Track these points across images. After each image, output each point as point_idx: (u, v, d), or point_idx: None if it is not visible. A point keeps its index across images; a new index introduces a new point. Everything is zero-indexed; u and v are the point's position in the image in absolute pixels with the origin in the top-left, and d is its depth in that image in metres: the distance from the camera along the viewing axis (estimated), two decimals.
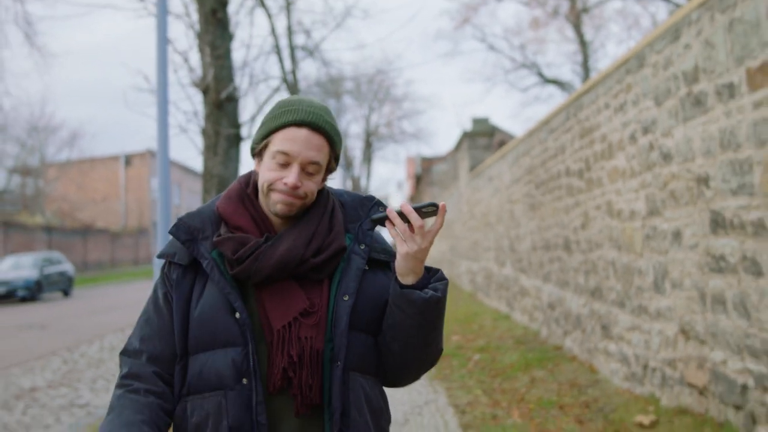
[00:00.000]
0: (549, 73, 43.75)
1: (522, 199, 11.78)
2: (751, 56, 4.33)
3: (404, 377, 1.96)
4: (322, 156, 1.86)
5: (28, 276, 23.35)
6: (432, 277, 1.84)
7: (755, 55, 4.28)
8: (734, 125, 4.56)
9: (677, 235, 5.52)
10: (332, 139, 1.88)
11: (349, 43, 55.84)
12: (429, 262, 25.26)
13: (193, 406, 1.81)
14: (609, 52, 51.96)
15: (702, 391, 5.18)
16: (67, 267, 26.42)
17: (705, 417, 5.10)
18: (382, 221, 1.78)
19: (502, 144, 29.07)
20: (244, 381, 1.76)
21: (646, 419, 5.46)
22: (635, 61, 6.32)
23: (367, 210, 2.02)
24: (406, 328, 1.82)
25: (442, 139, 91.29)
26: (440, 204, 1.71)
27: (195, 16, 9.48)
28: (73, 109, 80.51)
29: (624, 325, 6.81)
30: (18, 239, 34.99)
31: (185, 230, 1.92)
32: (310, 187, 1.87)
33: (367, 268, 1.93)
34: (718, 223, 4.84)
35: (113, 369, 9.82)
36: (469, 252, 19.39)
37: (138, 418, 1.79)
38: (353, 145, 51.24)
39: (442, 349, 1.96)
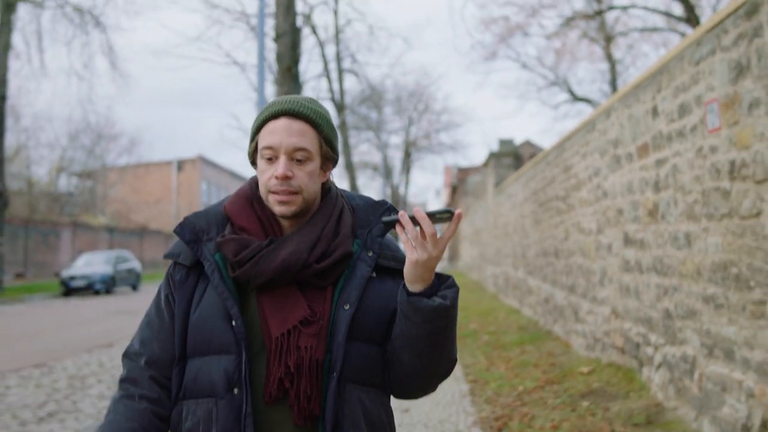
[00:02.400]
0: (580, 89, 46.13)
1: (530, 215, 14.45)
2: (639, 138, 7.04)
3: (415, 389, 1.90)
4: (307, 141, 1.82)
5: (104, 272, 26.58)
6: (442, 284, 1.76)
7: (640, 137, 6.98)
8: (631, 178, 7.27)
9: (609, 247, 8.22)
10: (315, 122, 1.83)
11: (390, 65, 58.65)
12: (463, 267, 28.09)
13: (187, 410, 1.80)
14: (641, 68, 54.00)
15: (621, 351, 7.86)
16: (135, 264, 29.67)
17: (621, 367, 7.77)
18: (393, 225, 1.71)
19: (532, 157, 31.65)
20: (235, 391, 1.74)
21: (586, 369, 8.17)
22: (590, 126, 9.03)
23: (379, 215, 1.96)
24: (414, 337, 1.75)
25: (478, 150, 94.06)
26: (456, 211, 1.65)
27: (275, 68, 12.42)
28: (131, 112, 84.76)
29: (585, 310, 9.50)
30: (84, 238, 38.48)
31: (190, 230, 1.89)
32: (303, 178, 1.82)
33: (374, 275, 1.88)
34: (627, 240, 7.53)
35: None
36: (493, 258, 22.04)
37: (128, 425, 1.82)
38: (393, 155, 54.02)
39: (455, 360, 1.87)
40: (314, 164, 1.84)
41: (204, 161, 58.92)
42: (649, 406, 6.31)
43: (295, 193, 1.81)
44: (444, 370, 1.86)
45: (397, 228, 1.70)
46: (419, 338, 1.75)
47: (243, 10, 20.55)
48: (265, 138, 1.81)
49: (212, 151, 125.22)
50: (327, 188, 1.96)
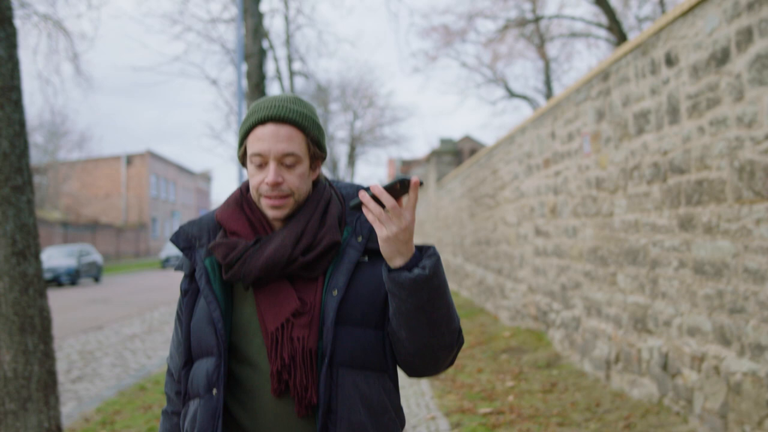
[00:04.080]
0: (517, 85, 48.71)
1: (466, 209, 16.58)
2: (544, 153, 9.17)
3: (423, 365, 1.86)
4: (295, 145, 1.84)
5: (69, 264, 28.00)
6: (424, 255, 1.75)
7: (544, 153, 9.11)
8: (539, 183, 9.42)
9: (525, 236, 10.37)
10: (301, 125, 1.85)
11: (338, 70, 60.63)
12: None
13: (185, 410, 1.90)
14: (574, 66, 56.83)
15: (535, 318, 10.01)
16: (97, 257, 31.08)
17: (535, 330, 9.92)
18: (359, 207, 1.70)
19: (473, 152, 33.85)
20: (214, 392, 1.80)
21: (508, 334, 10.32)
22: (511, 139, 11.17)
23: None
24: (405, 312, 1.74)
25: (421, 144, 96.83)
26: (413, 179, 1.65)
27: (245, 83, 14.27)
28: (81, 106, 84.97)
29: (509, 287, 11.65)
30: (41, 232, 39.52)
31: (184, 238, 1.96)
32: (294, 181, 1.85)
33: (366, 259, 1.89)
34: (537, 231, 9.67)
35: None
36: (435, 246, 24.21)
37: None
38: (339, 149, 55.81)
39: (456, 329, 1.85)
40: (303, 166, 1.87)
41: (152, 155, 59.95)
42: (550, 355, 8.46)
43: (287, 196, 1.85)
44: (446, 342, 1.82)
45: (363, 209, 1.69)
46: (410, 313, 1.73)
47: (220, 35, 22.30)
48: (254, 144, 1.84)
49: (159, 143, 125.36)
50: (316, 182, 1.98)
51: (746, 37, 4.26)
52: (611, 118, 6.60)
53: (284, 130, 1.83)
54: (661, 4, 25.71)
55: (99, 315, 16.64)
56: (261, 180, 1.84)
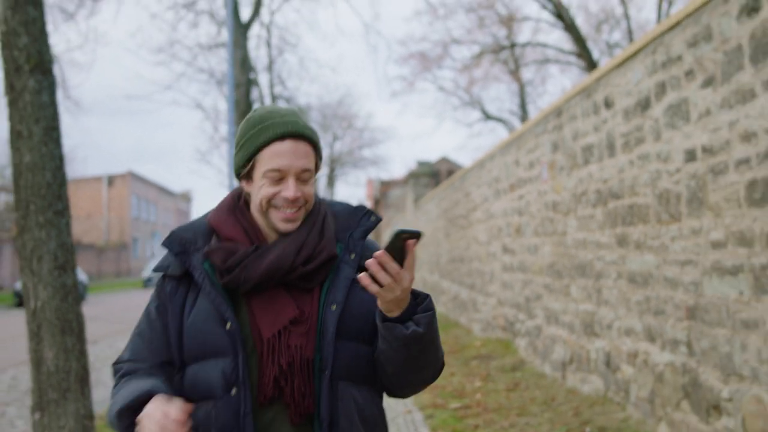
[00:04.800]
0: (493, 107, 49.79)
1: (442, 229, 17.53)
2: (509, 179, 10.13)
3: (404, 392, 1.98)
4: (310, 161, 1.89)
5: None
6: (419, 305, 1.80)
7: (510, 178, 10.08)
8: (506, 206, 10.38)
9: (495, 254, 11.32)
10: (313, 141, 1.91)
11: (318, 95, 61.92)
12: None
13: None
14: (548, 89, 58.36)
15: (503, 328, 10.94)
16: (83, 276, 31.68)
17: (503, 340, 10.85)
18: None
19: (450, 173, 34.85)
20: (233, 391, 1.79)
21: (479, 343, 11.23)
22: (481, 165, 12.15)
23: (358, 219, 2.04)
24: (394, 357, 1.81)
25: (399, 165, 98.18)
26: (410, 240, 1.67)
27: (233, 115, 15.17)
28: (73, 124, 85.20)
29: (481, 301, 12.58)
30: None
31: (178, 242, 1.96)
32: (308, 192, 1.90)
33: (357, 276, 1.84)
34: (505, 249, 10.62)
35: None
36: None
37: (146, 382, 1.84)
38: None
39: (441, 366, 1.96)
40: (313, 179, 1.92)
41: (134, 176, 60.55)
42: (516, 361, 9.38)
43: (300, 208, 1.89)
44: (430, 377, 1.93)
45: (362, 280, 1.70)
46: (399, 358, 1.80)
47: (210, 67, 23.24)
48: (272, 161, 1.84)
49: (140, 162, 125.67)
50: None
51: (661, 89, 5.25)
52: (564, 149, 7.57)
53: (302, 147, 1.87)
54: (629, 32, 26.98)
55: (91, 331, 17.31)
56: (274, 193, 1.86)
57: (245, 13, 17.72)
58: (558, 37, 44.28)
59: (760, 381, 4.16)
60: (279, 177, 1.85)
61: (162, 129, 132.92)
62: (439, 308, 17.98)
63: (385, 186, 51.22)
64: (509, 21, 28.30)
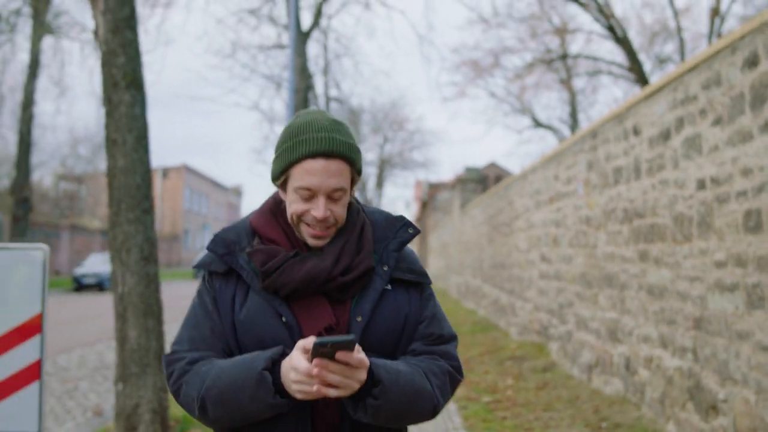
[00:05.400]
0: (543, 114, 50.03)
1: (486, 235, 18.17)
2: (549, 192, 10.76)
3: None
4: (343, 180, 1.87)
5: None
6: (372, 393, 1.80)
7: (550, 191, 10.71)
8: (545, 217, 11.01)
9: (533, 262, 11.96)
10: (350, 158, 1.88)
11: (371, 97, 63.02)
12: (430, 277, 32.23)
13: None
14: (600, 98, 58.42)
15: (538, 333, 11.57)
16: None
17: (538, 343, 11.48)
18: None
19: (498, 179, 35.39)
20: None
21: (514, 346, 11.88)
22: (524, 177, 12.79)
23: (395, 230, 2.05)
24: None
25: (448, 168, 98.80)
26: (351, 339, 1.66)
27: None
28: None
29: (518, 307, 13.22)
30: (80, 240, 41.75)
31: (222, 244, 1.98)
32: (339, 212, 1.90)
33: (389, 287, 1.97)
34: (543, 258, 11.25)
35: None
36: (457, 268, 25.77)
37: (228, 360, 1.89)
38: (368, 171, 57.57)
39: (433, 410, 1.93)
40: (347, 196, 1.92)
41: (188, 169, 62.21)
42: (547, 363, 10.02)
43: (330, 227, 1.91)
44: (425, 417, 1.94)
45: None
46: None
47: (271, 73, 24.31)
48: (303, 178, 1.84)
49: (191, 155, 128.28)
50: (350, 203, 2.00)
51: (680, 123, 5.88)
52: (597, 169, 8.21)
53: (335, 166, 1.85)
54: (681, 46, 27.20)
55: None
56: (305, 210, 1.88)
57: (306, 22, 18.60)
58: (610, 47, 44.39)
59: (749, 385, 4.78)
60: (309, 195, 1.86)
61: (210, 124, 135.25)
62: (481, 312, 18.63)
63: (433, 189, 51.77)
64: (561, 32, 28.80)
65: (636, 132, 6.96)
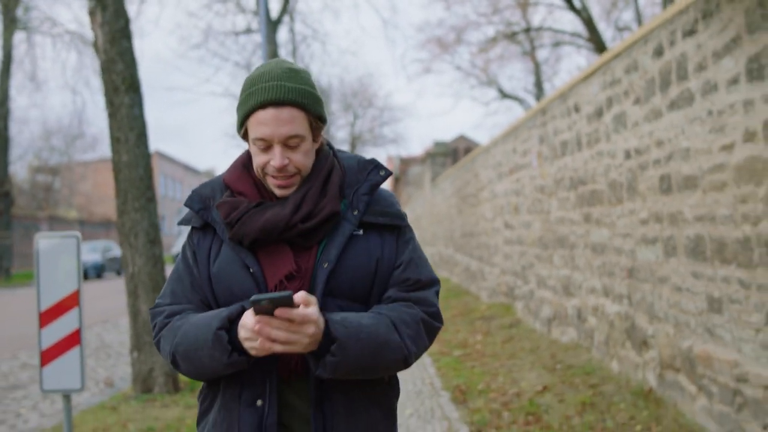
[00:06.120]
0: (508, 86, 51.00)
1: (455, 206, 19.13)
2: (509, 164, 11.69)
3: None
4: (297, 126, 1.85)
5: (95, 260, 30.66)
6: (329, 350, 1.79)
7: (509, 163, 11.64)
8: (506, 187, 11.96)
9: (498, 229, 12.93)
10: (301, 104, 1.85)
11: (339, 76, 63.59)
12: None
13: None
14: (563, 67, 59.56)
15: (505, 294, 12.56)
16: (118, 253, 33.64)
17: (505, 304, 12.47)
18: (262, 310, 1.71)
19: (467, 151, 36.28)
20: None
21: (484, 307, 12.87)
22: (487, 150, 13.71)
23: (367, 173, 2.04)
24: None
25: (417, 143, 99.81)
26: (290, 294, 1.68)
27: None
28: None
29: (487, 271, 14.21)
30: (60, 230, 42.21)
31: (198, 199, 2.02)
32: (299, 159, 1.88)
33: (361, 232, 1.95)
34: (506, 225, 12.21)
35: None
36: (431, 240, 26.75)
37: (199, 314, 1.94)
38: (340, 147, 58.26)
39: (405, 358, 1.92)
40: (307, 143, 1.89)
41: (161, 155, 62.43)
42: (513, 320, 11.01)
43: (294, 175, 1.90)
44: (393, 372, 1.98)
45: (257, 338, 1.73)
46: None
47: (242, 58, 25.00)
48: (256, 129, 1.85)
49: (161, 141, 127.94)
50: (319, 149, 2.01)
51: (609, 102, 6.82)
52: (548, 142, 9.15)
53: (285, 113, 1.83)
54: (638, 15, 28.22)
55: None
56: (266, 161, 1.88)
57: (274, 10, 19.35)
58: (571, 19, 45.32)
59: (669, 321, 5.76)
60: (265, 145, 1.86)
61: (179, 109, 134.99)
62: (454, 279, 19.63)
63: (405, 164, 52.64)
64: (523, 5, 29.65)
65: (577, 109, 7.89)
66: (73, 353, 5.12)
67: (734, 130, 4.54)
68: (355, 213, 1.96)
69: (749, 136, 4.37)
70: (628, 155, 6.44)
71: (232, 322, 1.82)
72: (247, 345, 1.77)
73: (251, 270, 1.90)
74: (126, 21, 7.16)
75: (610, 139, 6.88)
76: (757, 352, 4.41)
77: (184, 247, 2.06)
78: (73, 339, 5.13)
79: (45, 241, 5.10)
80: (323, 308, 1.83)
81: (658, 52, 5.65)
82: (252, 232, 1.88)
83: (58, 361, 5.09)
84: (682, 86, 5.26)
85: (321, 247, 1.92)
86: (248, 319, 1.75)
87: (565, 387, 6.72)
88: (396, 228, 2.04)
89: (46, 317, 5.06)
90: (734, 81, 4.53)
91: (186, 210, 2.09)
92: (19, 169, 45.71)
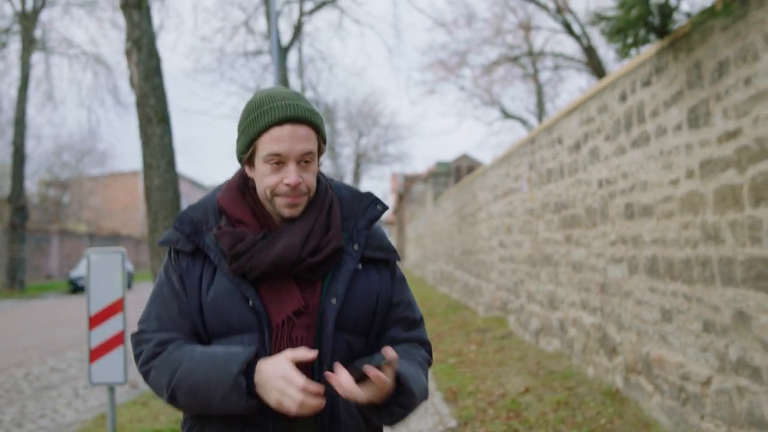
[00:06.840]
0: (511, 106, 51.91)
1: (456, 224, 19.99)
2: (503, 187, 12.57)
3: None
4: (312, 144, 1.86)
5: None
6: (399, 395, 1.84)
7: (504, 186, 12.52)
8: (501, 209, 12.82)
9: (494, 248, 13.78)
10: (314, 123, 1.87)
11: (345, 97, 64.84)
12: (409, 266, 33.68)
13: None
14: (566, 87, 60.63)
15: (499, 309, 13.39)
16: (129, 266, 34.54)
17: (499, 318, 13.30)
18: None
19: (470, 170, 37.14)
20: None
21: (480, 320, 13.70)
22: (484, 174, 14.59)
23: (364, 207, 2.03)
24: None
25: (421, 161, 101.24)
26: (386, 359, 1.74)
27: None
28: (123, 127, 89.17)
29: (484, 287, 15.05)
30: (69, 244, 43.19)
31: (189, 223, 1.94)
32: (310, 179, 1.88)
33: (360, 267, 1.95)
34: (501, 243, 13.06)
35: None
36: (432, 257, 27.61)
37: (220, 347, 1.85)
38: (345, 165, 59.20)
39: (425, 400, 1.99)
40: (315, 163, 1.91)
41: None
42: (505, 332, 11.84)
43: (304, 195, 1.89)
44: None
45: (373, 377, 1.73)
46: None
47: (251, 78, 25.97)
48: (271, 145, 1.83)
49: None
50: (318, 178, 1.99)
51: (585, 137, 7.71)
52: (536, 169, 10.03)
53: (302, 130, 1.85)
54: (636, 39, 29.00)
55: (135, 316, 20.00)
56: (277, 181, 1.85)
57: (285, 38, 20.32)
58: (573, 42, 46.34)
59: (632, 330, 6.61)
60: (279, 162, 1.84)
61: (184, 123, 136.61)
62: (454, 295, 20.47)
63: (409, 181, 53.42)
64: (525, 29, 30.61)
65: (560, 141, 8.78)
66: (118, 351, 5.99)
67: (679, 168, 5.42)
68: (356, 248, 1.96)
69: (689, 174, 5.25)
70: (600, 184, 7.31)
71: (249, 365, 1.79)
72: (275, 396, 1.74)
73: (251, 303, 1.85)
74: (158, 60, 8.08)
75: (586, 169, 7.76)
76: (697, 355, 5.26)
77: (166, 269, 1.98)
78: (118, 339, 6.00)
79: (95, 256, 6.00)
80: (334, 344, 1.88)
81: (623, 97, 6.54)
82: (261, 266, 1.84)
83: (105, 359, 5.95)
84: (641, 128, 6.14)
85: (325, 282, 1.91)
86: (297, 377, 1.72)
87: (545, 389, 7.56)
88: (389, 262, 2.08)
89: (95, 320, 5.95)
90: (678, 127, 5.41)
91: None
92: (30, 184, 46.78)
